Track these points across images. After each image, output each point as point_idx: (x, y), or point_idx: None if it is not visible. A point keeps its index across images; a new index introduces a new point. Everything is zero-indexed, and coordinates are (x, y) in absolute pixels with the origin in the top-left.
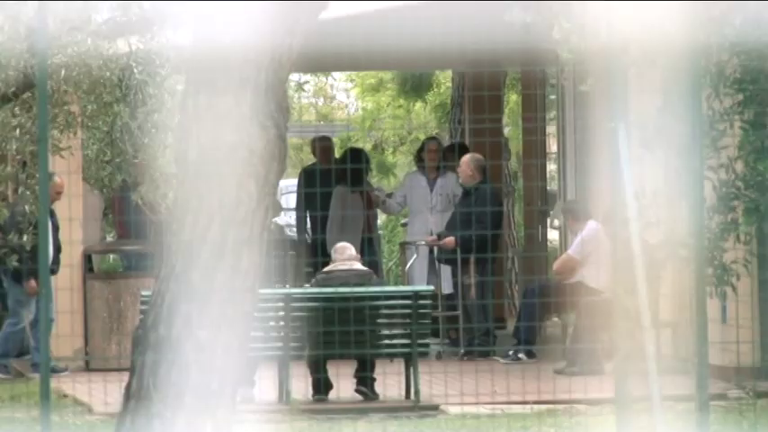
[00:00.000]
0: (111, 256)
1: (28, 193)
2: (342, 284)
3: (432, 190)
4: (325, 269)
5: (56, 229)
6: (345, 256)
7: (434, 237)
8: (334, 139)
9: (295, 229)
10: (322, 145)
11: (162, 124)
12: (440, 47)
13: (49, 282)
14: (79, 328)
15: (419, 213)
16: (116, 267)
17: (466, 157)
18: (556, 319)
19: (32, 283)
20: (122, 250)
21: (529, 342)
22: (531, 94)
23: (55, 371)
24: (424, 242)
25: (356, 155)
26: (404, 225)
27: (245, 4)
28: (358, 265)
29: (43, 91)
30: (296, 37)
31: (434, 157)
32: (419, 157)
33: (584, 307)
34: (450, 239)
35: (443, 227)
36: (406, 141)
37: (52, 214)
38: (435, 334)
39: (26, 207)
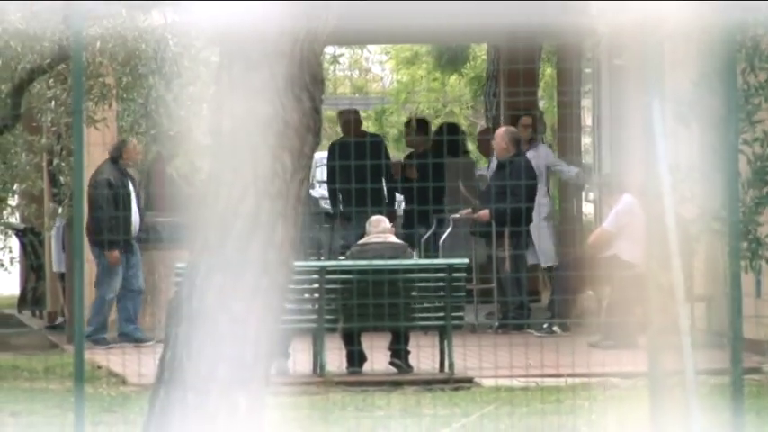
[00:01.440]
0: None
1: (63, 164)
2: (376, 257)
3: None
4: (360, 242)
5: (138, 197)
6: (380, 228)
7: (469, 210)
8: (369, 112)
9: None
10: (345, 118)
11: (197, 96)
12: (475, 20)
13: (82, 253)
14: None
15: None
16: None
17: (500, 130)
18: (590, 292)
19: (115, 253)
20: (157, 222)
21: (563, 315)
22: (566, 67)
23: (140, 340)
24: (458, 215)
25: (453, 129)
26: None
27: None
28: (392, 238)
29: (78, 63)
30: (331, 9)
31: (525, 132)
32: None
33: (618, 280)
34: (484, 212)
35: (541, 200)
36: (441, 114)
37: (131, 182)
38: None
39: (61, 178)
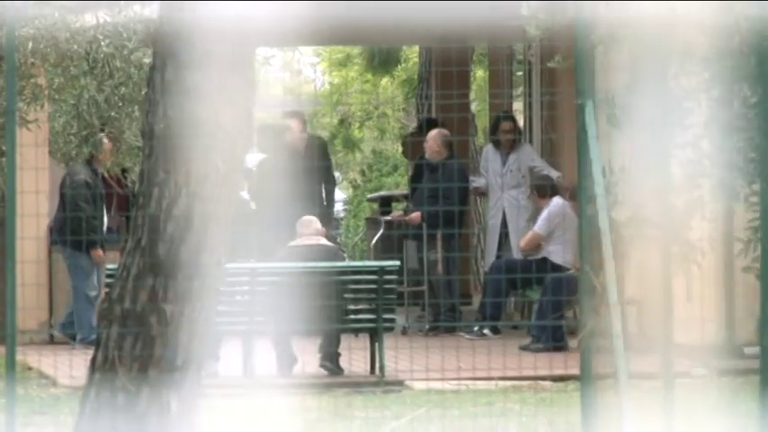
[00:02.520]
0: None
1: None
2: (306, 260)
3: (504, 165)
4: (291, 243)
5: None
6: (311, 230)
7: (400, 212)
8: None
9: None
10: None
11: (129, 98)
12: (407, 22)
13: (14, 254)
14: (44, 301)
15: (493, 189)
16: None
17: (433, 133)
18: (521, 295)
19: (99, 251)
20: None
21: (494, 318)
22: (498, 70)
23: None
24: (389, 217)
25: None
26: (369, 200)
27: None
28: (324, 240)
29: (11, 63)
30: (262, 11)
31: (507, 136)
32: (493, 132)
33: (549, 283)
34: (416, 215)
35: (518, 202)
36: (372, 116)
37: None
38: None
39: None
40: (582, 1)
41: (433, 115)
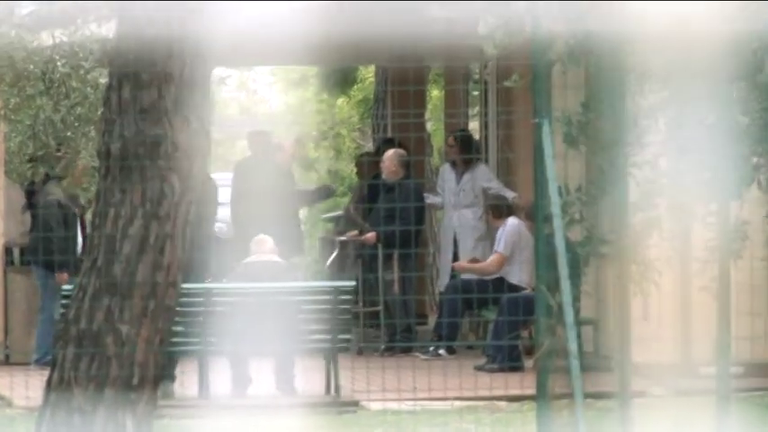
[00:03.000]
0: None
1: None
2: (257, 277)
3: (458, 184)
4: (244, 261)
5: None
6: (264, 248)
7: (356, 232)
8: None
9: (217, 224)
10: (257, 139)
11: (85, 118)
12: (363, 42)
13: None
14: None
15: (448, 208)
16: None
17: (389, 153)
18: (477, 315)
19: (64, 275)
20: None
21: (450, 338)
22: (454, 89)
23: None
24: (344, 237)
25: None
26: (325, 220)
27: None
28: (276, 258)
29: None
30: (220, 31)
31: (450, 152)
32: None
33: (505, 303)
34: (371, 235)
35: (469, 221)
36: (328, 136)
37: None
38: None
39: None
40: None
41: (389, 135)
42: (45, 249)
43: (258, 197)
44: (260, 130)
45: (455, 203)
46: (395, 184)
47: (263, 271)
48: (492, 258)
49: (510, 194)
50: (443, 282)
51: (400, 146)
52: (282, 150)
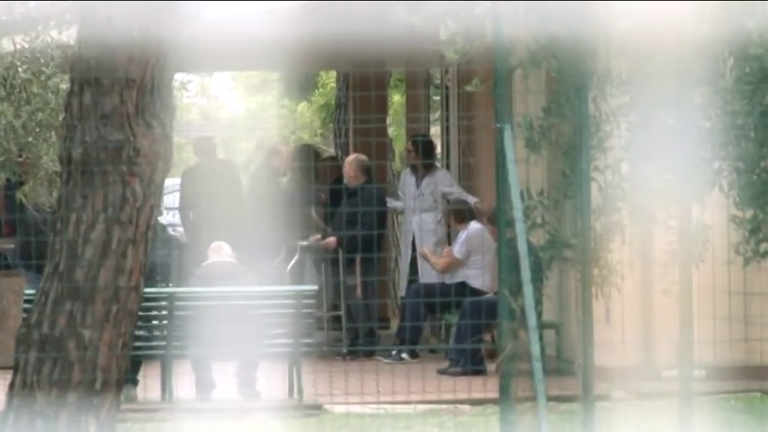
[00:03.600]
0: None
1: None
2: (222, 274)
3: (418, 188)
4: (203, 263)
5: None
6: (221, 254)
7: (318, 236)
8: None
9: (178, 228)
10: (201, 144)
11: (46, 123)
12: (324, 47)
13: None
14: None
15: (408, 212)
16: None
17: (349, 158)
18: (440, 319)
19: None
20: (5, 249)
21: (412, 342)
22: (415, 94)
23: None
24: (306, 242)
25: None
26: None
27: (128, 3)
28: (234, 261)
29: None
30: (181, 36)
31: (409, 156)
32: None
33: (468, 307)
34: (331, 240)
35: (429, 225)
36: (289, 141)
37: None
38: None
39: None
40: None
41: (350, 140)
42: (38, 252)
43: (209, 202)
44: (205, 135)
45: (415, 208)
46: (357, 188)
47: (221, 271)
48: (444, 257)
49: (472, 199)
50: (403, 286)
51: (361, 151)
52: (278, 155)
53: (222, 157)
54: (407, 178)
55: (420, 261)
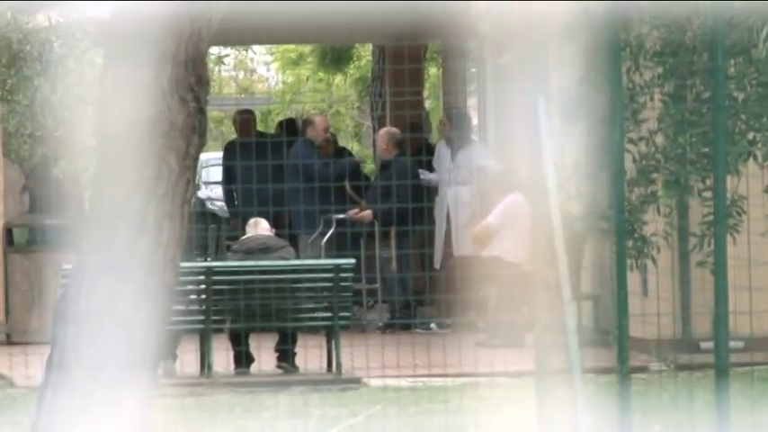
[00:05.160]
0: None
1: None
2: (260, 248)
3: (453, 161)
4: (241, 238)
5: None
6: (259, 229)
7: (356, 210)
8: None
9: (216, 203)
10: (242, 118)
11: (82, 98)
12: (360, 19)
13: None
14: (0, 302)
15: (443, 185)
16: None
17: (381, 131)
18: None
19: None
20: (43, 224)
21: (447, 314)
22: (451, 67)
23: None
24: (343, 215)
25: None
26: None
27: None
28: (272, 234)
29: None
30: (216, 9)
31: (444, 129)
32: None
33: (504, 280)
34: (367, 213)
35: (463, 199)
36: (327, 115)
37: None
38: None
39: None
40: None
41: (387, 113)
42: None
43: (249, 177)
44: (245, 109)
45: (450, 181)
46: (390, 161)
47: (259, 246)
48: (479, 225)
49: (504, 171)
50: (437, 258)
51: (395, 124)
52: (313, 125)
53: (262, 131)
54: (442, 151)
55: (454, 234)
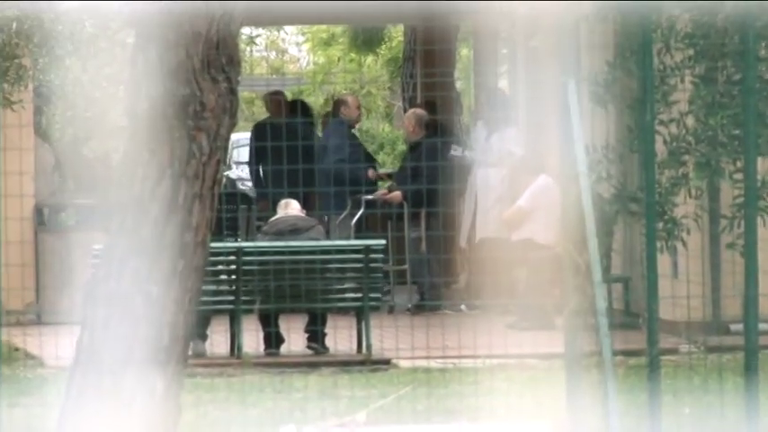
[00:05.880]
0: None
1: None
2: (290, 229)
3: (487, 141)
4: (271, 220)
5: None
6: (289, 210)
7: (384, 191)
8: (286, 93)
9: (247, 183)
10: (274, 99)
11: (113, 78)
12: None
13: None
14: (30, 282)
15: (475, 165)
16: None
17: (408, 113)
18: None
19: None
20: (74, 204)
21: (477, 296)
22: (482, 48)
23: None
24: (372, 196)
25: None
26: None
27: None
28: (303, 215)
29: None
30: None
31: (481, 109)
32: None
33: (534, 262)
34: (396, 194)
35: (491, 181)
36: (358, 95)
37: None
38: (388, 291)
39: None
40: None
41: (418, 94)
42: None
43: (279, 157)
44: (276, 90)
45: (481, 161)
46: (419, 142)
47: (289, 227)
48: (510, 209)
49: (532, 154)
50: (463, 237)
51: (427, 105)
52: (346, 105)
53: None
54: (479, 131)
55: (480, 215)
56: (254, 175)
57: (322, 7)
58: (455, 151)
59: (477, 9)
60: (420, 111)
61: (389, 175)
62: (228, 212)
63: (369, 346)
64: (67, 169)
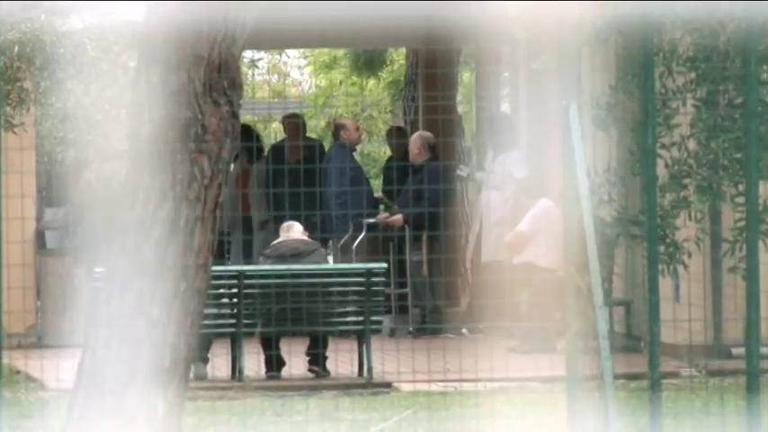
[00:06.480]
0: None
1: None
2: (292, 253)
3: (491, 163)
4: (273, 243)
5: None
6: (291, 232)
7: (386, 214)
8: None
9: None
10: (291, 122)
11: (115, 101)
12: (393, 23)
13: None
14: (31, 305)
15: (481, 187)
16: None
17: (414, 135)
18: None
19: None
20: (75, 227)
21: (479, 319)
22: (484, 71)
23: None
24: (374, 219)
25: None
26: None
27: None
28: (305, 238)
29: None
30: (249, 13)
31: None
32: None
33: (536, 285)
34: (397, 217)
35: (492, 203)
36: (359, 119)
37: None
38: (389, 311)
39: None
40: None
41: (420, 117)
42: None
43: (295, 179)
44: (293, 113)
45: (485, 184)
46: (422, 165)
47: (291, 250)
48: (511, 233)
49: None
50: (468, 258)
51: (429, 128)
52: (345, 129)
53: (309, 135)
54: (487, 152)
55: (483, 238)
56: (265, 197)
57: (324, 30)
58: (462, 171)
59: (479, 32)
60: (426, 133)
61: (390, 197)
62: (230, 235)
63: (370, 370)
64: (69, 192)
